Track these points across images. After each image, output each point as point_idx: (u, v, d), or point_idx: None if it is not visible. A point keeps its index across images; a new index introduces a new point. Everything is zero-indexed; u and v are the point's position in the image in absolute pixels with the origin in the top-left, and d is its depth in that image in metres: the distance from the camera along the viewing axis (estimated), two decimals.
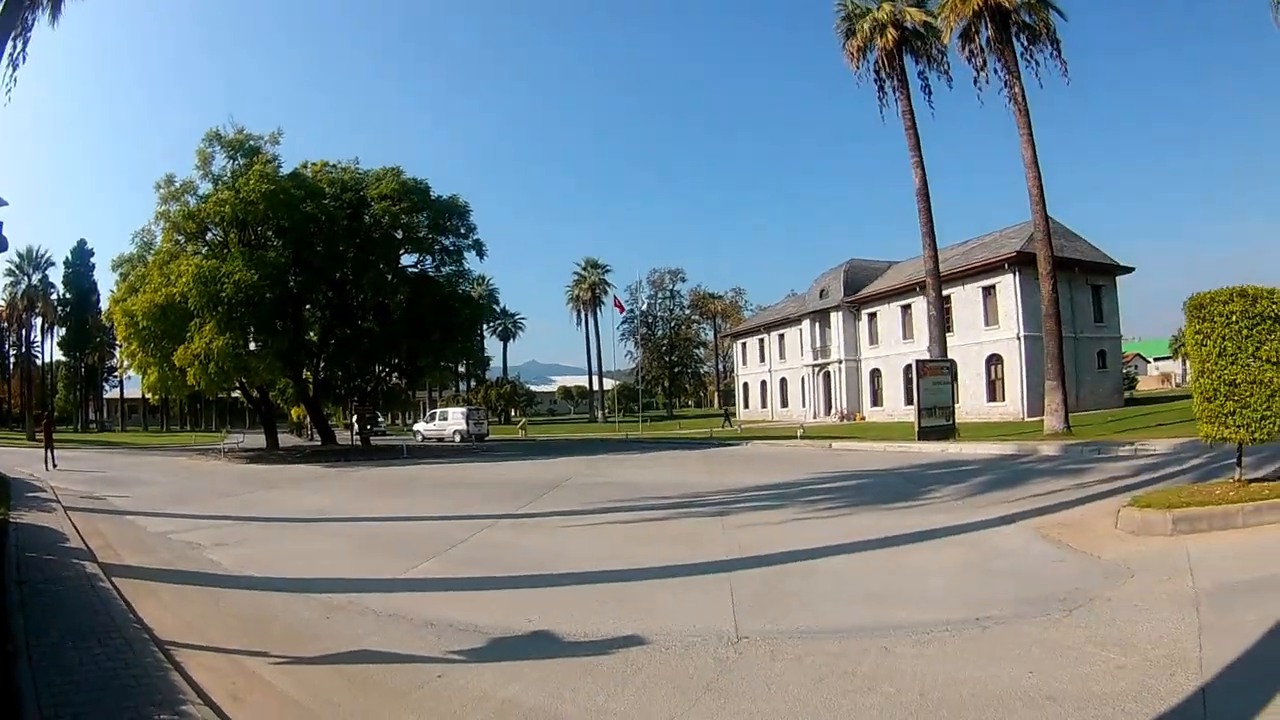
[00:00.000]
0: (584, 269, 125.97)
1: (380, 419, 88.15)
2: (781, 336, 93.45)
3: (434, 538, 15.25)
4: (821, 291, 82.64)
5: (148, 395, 51.83)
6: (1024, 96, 37.84)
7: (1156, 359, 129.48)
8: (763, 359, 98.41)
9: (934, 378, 39.48)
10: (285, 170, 48.01)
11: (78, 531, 15.87)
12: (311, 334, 52.73)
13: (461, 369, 72.03)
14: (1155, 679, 6.50)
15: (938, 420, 38.37)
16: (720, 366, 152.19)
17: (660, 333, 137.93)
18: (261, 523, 19.01)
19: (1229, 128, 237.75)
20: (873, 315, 76.99)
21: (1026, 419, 53.50)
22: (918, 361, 41.44)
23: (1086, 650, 7.35)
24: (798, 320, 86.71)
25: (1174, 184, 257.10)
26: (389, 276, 50.66)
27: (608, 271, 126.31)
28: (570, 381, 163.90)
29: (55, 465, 36.92)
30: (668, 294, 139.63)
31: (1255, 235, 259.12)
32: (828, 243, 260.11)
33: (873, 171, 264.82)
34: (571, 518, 17.73)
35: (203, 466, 41.27)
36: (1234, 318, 12.63)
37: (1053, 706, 6.06)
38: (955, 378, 41.49)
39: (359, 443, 56.40)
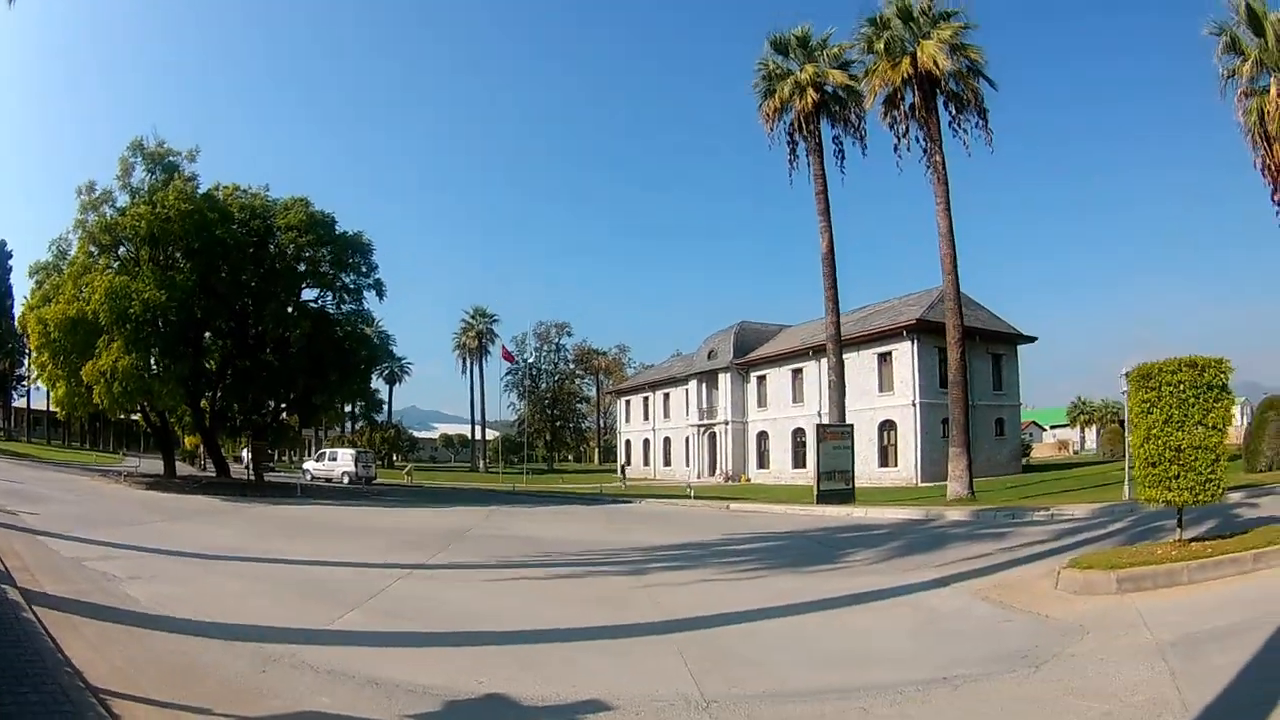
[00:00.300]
0: (472, 317, 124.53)
1: (273, 455, 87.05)
2: (667, 395, 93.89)
3: (351, 585, 15.12)
4: (710, 352, 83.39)
5: (55, 409, 51.48)
6: (944, 166, 38.07)
7: (1053, 426, 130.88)
8: (646, 417, 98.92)
9: (834, 442, 39.34)
10: (200, 190, 47.13)
11: None
12: (210, 362, 51.70)
13: (353, 410, 71.74)
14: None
15: (837, 484, 38.25)
16: (601, 422, 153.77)
17: (544, 385, 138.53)
18: (173, 557, 18.49)
19: (1135, 197, 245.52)
20: (762, 378, 77.41)
21: (920, 484, 54.14)
22: (819, 425, 41.85)
23: (1066, 701, 7.54)
24: (684, 380, 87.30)
25: (1074, 252, 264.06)
26: (290, 310, 50.02)
27: (495, 321, 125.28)
28: (451, 429, 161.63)
29: None
30: (553, 347, 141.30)
31: (1152, 305, 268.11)
32: (715, 304, 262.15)
33: (764, 233, 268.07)
34: (484, 571, 17.55)
35: (105, 489, 41.85)
36: (1182, 387, 13.15)
37: None
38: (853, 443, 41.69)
39: (252, 477, 55.44)
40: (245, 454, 72.40)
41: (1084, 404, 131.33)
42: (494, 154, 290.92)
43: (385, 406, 57.68)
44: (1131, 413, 13.95)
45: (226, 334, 50.76)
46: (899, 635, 10.84)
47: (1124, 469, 33.98)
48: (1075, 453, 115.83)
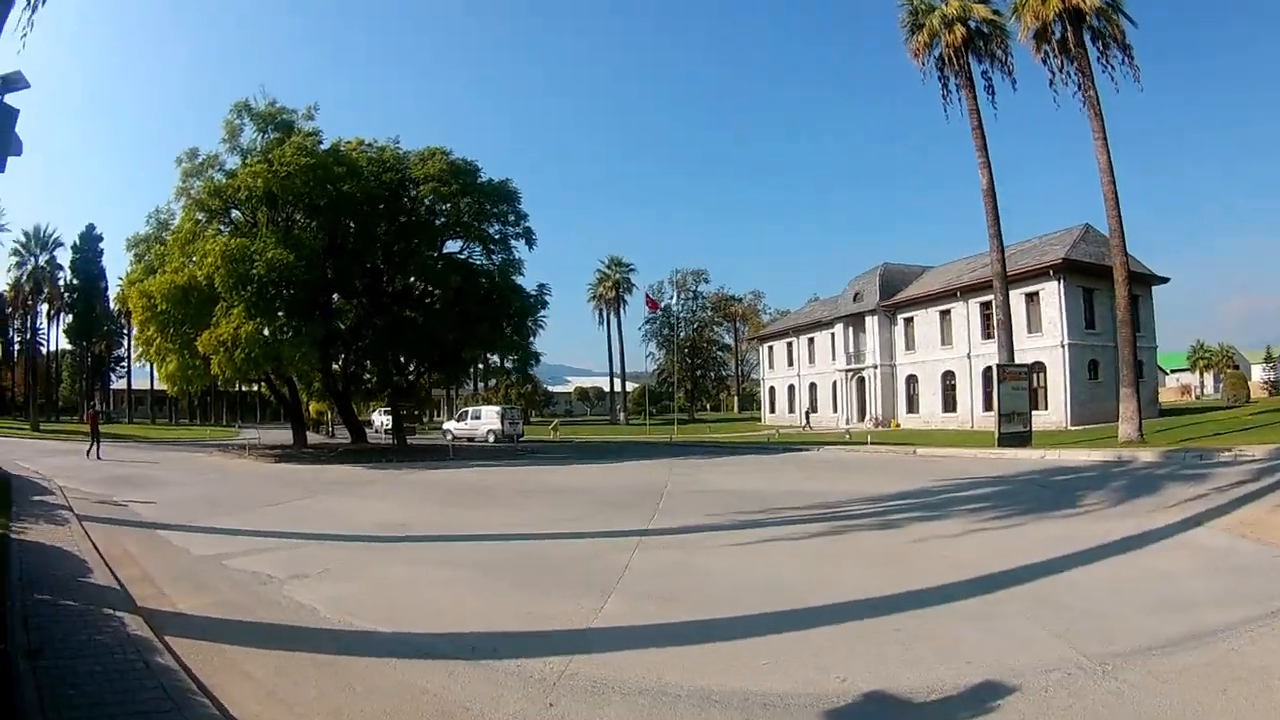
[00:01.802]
0: (608, 267, 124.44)
1: (417, 416, 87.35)
2: (811, 340, 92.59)
3: (580, 563, 12.82)
4: (856, 295, 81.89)
5: (165, 386, 50.58)
6: (1098, 100, 37.70)
7: (1173, 370, 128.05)
8: (790, 363, 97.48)
9: (1013, 383, 39.20)
10: (323, 146, 45.26)
11: (102, 558, 12.24)
12: (343, 323, 48.24)
13: (501, 364, 70.48)
14: None
15: (1016, 426, 38.06)
16: (739, 370, 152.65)
17: (683, 334, 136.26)
18: (336, 542, 15.40)
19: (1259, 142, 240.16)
20: (909, 320, 76.05)
21: (1070, 427, 53.88)
22: (998, 366, 41.02)
23: None
24: (829, 324, 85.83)
25: (1195, 195, 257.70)
26: (437, 264, 48.23)
27: (632, 270, 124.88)
28: (583, 383, 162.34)
29: (99, 457, 37.72)
30: (690, 295, 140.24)
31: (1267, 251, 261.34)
32: (851, 247, 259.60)
33: (899, 176, 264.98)
34: (726, 534, 15.34)
35: (230, 465, 38.52)
36: None
37: None
38: (1031, 384, 41.77)
39: (394, 441, 54.93)
40: (376, 417, 73.32)
41: (1203, 348, 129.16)
42: (629, 109, 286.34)
43: (538, 359, 56.36)
44: None
45: (360, 292, 48.69)
46: (1201, 575, 10.77)
47: (1249, 415, 33.80)
48: (1197, 397, 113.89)
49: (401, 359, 51.63)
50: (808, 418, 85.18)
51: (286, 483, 29.02)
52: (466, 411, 75.94)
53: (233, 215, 45.58)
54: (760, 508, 18.79)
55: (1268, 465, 23.90)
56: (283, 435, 58.15)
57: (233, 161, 45.41)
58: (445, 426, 73.91)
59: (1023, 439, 37.49)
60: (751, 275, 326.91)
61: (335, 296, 48.29)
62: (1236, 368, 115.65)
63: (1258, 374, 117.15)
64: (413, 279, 48.67)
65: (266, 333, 39.41)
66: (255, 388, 67.81)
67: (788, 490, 23.21)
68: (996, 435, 38.04)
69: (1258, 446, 28.48)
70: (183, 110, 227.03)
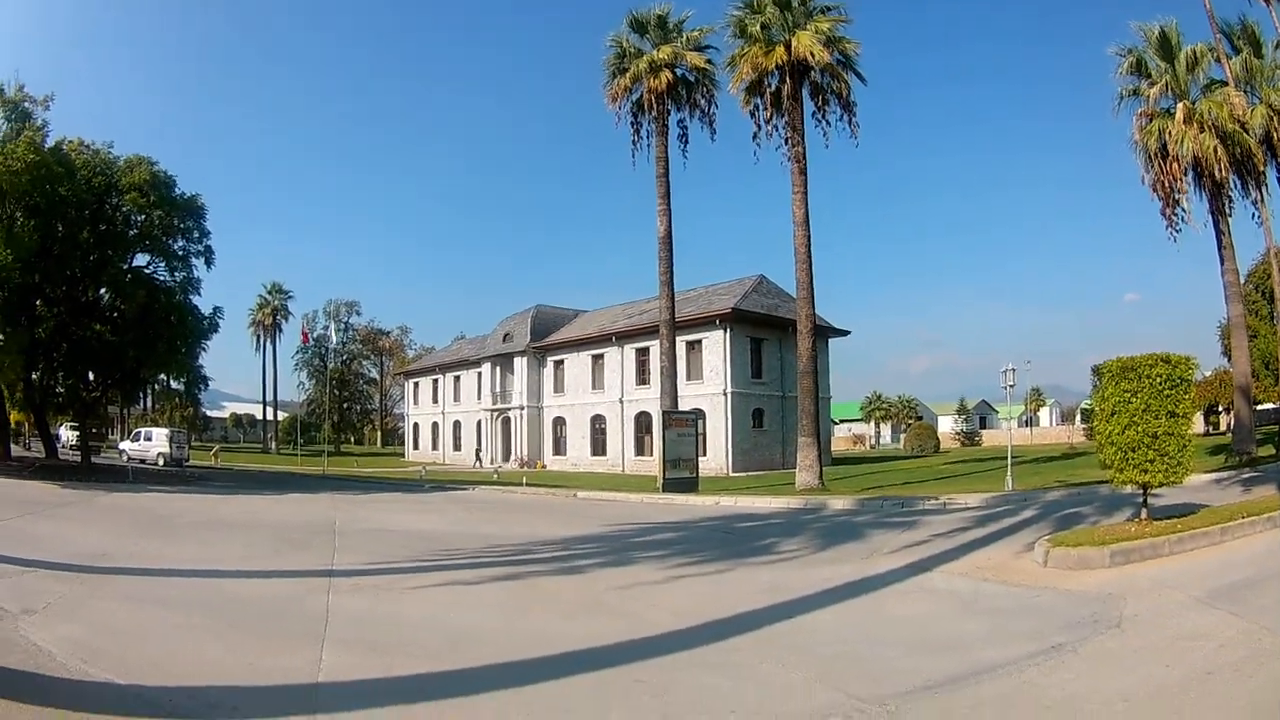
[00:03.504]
0: (268, 293, 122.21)
1: (102, 434, 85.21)
2: (458, 378, 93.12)
3: (283, 606, 12.41)
4: (506, 335, 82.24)
5: None
6: (804, 156, 38.63)
7: (843, 420, 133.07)
8: (436, 400, 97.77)
9: (679, 429, 39.30)
10: (48, 142, 43.56)
11: None
12: (42, 331, 46.13)
13: (169, 385, 68.78)
14: (1257, 643, 8.44)
15: (682, 473, 38.13)
16: (383, 404, 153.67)
17: (332, 365, 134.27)
18: (54, 572, 14.31)
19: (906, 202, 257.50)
20: (559, 363, 77.58)
21: (732, 474, 54.88)
22: (664, 412, 41.29)
23: (1180, 645, 8.51)
24: (477, 363, 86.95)
25: (870, 250, 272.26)
26: (128, 276, 47.29)
27: (290, 298, 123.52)
28: (236, 409, 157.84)
29: None
30: (342, 326, 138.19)
31: (944, 307, 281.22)
32: (509, 285, 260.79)
33: (570, 216, 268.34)
34: (413, 577, 14.87)
35: None
36: (1159, 380, 14.79)
37: (1214, 678, 7.49)
38: (697, 431, 42.19)
39: (81, 460, 53.11)
40: (63, 432, 71.83)
41: (880, 399, 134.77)
42: (290, 119, 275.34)
43: (207, 383, 56.46)
44: (1107, 402, 15.56)
45: (60, 300, 46.85)
46: (956, 617, 10.84)
47: (943, 464, 34.74)
48: (871, 446, 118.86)
49: (90, 375, 50.46)
50: (478, 455, 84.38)
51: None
52: (140, 432, 74.14)
53: None
54: (440, 549, 18.58)
55: (988, 513, 24.46)
56: None
57: None
58: (121, 446, 72.57)
59: (690, 485, 37.71)
60: (402, 308, 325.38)
61: (38, 303, 46.34)
62: (920, 418, 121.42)
63: (946, 425, 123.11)
64: (104, 291, 47.59)
65: None
66: None
67: (460, 532, 23.16)
68: (661, 481, 38.23)
69: (971, 495, 29.42)
70: None
